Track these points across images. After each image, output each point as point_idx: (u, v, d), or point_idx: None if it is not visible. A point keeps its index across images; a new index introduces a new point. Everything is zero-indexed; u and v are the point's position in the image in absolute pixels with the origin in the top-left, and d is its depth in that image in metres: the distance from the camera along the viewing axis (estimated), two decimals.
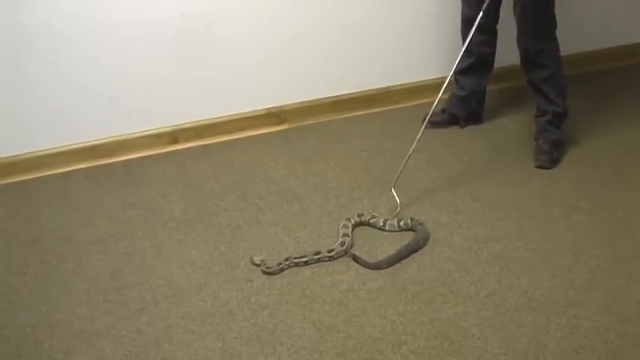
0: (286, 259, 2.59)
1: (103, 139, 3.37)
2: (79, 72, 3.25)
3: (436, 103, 2.97)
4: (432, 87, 3.69)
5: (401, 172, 2.90)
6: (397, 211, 2.84)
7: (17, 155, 3.28)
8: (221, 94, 3.50)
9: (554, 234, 2.71)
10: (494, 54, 3.38)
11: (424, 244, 2.66)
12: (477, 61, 3.36)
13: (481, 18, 3.02)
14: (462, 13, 3.32)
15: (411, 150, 2.89)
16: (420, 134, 2.91)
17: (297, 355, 2.21)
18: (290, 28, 3.50)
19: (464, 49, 3.04)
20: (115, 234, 2.85)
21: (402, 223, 2.76)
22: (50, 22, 3.13)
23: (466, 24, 3.30)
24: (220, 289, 2.51)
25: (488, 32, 3.30)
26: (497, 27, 3.32)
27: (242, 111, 3.54)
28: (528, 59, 3.13)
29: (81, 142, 3.35)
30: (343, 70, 3.67)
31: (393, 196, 2.88)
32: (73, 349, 2.29)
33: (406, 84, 3.77)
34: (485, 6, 2.94)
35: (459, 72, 3.42)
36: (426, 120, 3.00)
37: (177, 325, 2.36)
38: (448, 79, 2.98)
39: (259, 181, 3.16)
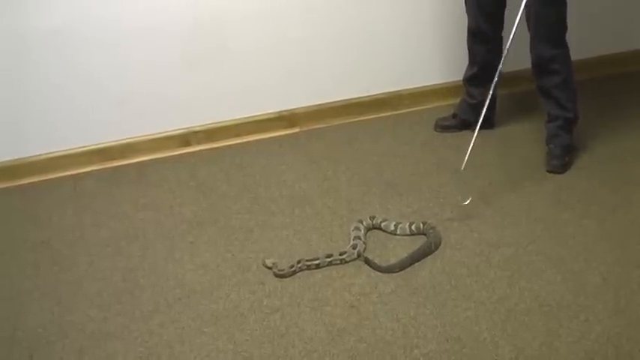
0: (298, 262, 2.59)
1: (114, 141, 3.39)
2: (91, 75, 3.27)
3: None
4: (443, 91, 3.72)
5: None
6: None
7: (29, 157, 3.30)
8: (232, 98, 3.51)
9: (566, 238, 2.71)
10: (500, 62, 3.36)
11: (436, 248, 2.66)
12: (482, 70, 3.34)
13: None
14: (468, 24, 3.32)
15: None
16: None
17: (309, 357, 2.21)
18: (301, 32, 3.51)
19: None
20: (127, 236, 2.86)
21: (413, 227, 2.76)
22: (63, 25, 3.15)
23: (471, 34, 3.32)
24: (232, 292, 2.51)
25: (494, 40, 3.29)
26: (504, 33, 3.32)
27: (253, 114, 3.56)
28: (541, 65, 3.12)
29: (93, 145, 3.36)
30: (354, 74, 3.68)
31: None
32: (85, 350, 2.30)
33: (416, 88, 3.77)
34: None
35: (467, 80, 3.43)
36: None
37: (189, 327, 2.36)
38: None
39: (270, 184, 3.16)
